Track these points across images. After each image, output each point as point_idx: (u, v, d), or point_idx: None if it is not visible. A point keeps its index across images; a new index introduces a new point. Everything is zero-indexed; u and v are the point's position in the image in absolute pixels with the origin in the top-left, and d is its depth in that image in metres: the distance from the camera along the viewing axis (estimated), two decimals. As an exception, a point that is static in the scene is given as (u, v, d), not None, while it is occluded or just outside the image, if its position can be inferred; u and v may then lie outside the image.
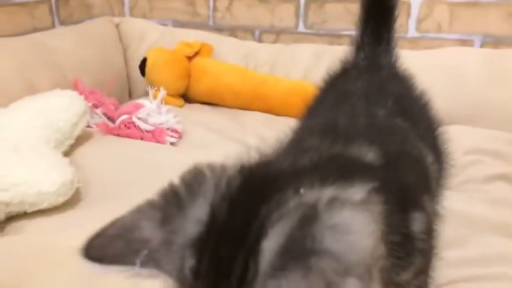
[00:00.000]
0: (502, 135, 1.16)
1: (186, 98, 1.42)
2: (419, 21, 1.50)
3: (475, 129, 1.18)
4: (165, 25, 1.72)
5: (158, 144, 1.05)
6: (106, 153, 1.00)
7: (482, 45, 1.46)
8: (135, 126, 1.08)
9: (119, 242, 0.35)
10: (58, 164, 0.86)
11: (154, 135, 1.07)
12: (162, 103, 1.16)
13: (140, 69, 1.42)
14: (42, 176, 0.81)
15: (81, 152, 1.00)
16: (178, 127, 1.11)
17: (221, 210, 0.33)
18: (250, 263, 0.30)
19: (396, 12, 0.75)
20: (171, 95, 1.34)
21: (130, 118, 1.09)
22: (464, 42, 1.47)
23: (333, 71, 0.74)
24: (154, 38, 1.57)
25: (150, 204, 0.37)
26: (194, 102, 1.42)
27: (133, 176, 0.94)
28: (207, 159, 1.03)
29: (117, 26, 1.62)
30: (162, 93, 1.16)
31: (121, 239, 0.35)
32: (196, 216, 0.33)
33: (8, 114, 0.93)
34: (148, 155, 0.99)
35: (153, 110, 1.12)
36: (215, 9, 1.75)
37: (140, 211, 0.36)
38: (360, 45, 0.75)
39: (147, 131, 1.07)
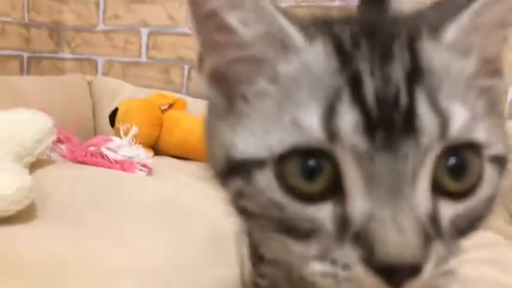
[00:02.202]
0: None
1: (156, 150, 1.36)
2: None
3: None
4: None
5: (125, 173, 0.97)
6: (67, 176, 0.90)
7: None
8: (102, 157, 1.01)
9: None
10: (16, 171, 0.76)
11: (123, 167, 0.99)
12: (132, 140, 1.10)
13: (110, 119, 1.37)
14: (-5, 179, 0.72)
15: (41, 173, 0.90)
16: (149, 162, 1.04)
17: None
18: None
19: None
20: (141, 144, 1.29)
21: (99, 149, 1.02)
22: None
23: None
24: (126, 95, 1.55)
25: None
26: (164, 155, 1.36)
27: (96, 200, 0.85)
28: (179, 191, 0.95)
29: (89, 83, 1.60)
30: (134, 130, 1.11)
31: None
32: None
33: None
34: (114, 181, 0.91)
35: (123, 144, 1.06)
36: (189, 77, 1.77)
37: None
38: None
39: (116, 162, 0.99)
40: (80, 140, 1.18)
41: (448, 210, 0.27)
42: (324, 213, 0.27)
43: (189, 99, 1.52)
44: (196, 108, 1.49)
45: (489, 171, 0.28)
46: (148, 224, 0.78)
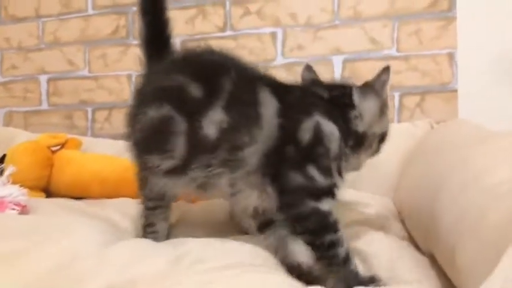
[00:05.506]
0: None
1: (49, 192, 1.31)
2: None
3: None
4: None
5: (-9, 211, 0.91)
6: None
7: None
8: (-31, 198, 0.95)
9: None
10: None
11: (-8, 206, 0.94)
12: (8, 181, 1.05)
13: (-2, 166, 1.31)
14: None
15: None
16: (23, 199, 0.99)
17: None
18: None
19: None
20: (31, 188, 1.23)
21: (-34, 191, 0.96)
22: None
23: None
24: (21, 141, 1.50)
25: None
26: (57, 196, 1.31)
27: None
28: (53, 224, 0.91)
29: (-19, 134, 1.54)
30: (11, 169, 1.06)
31: None
32: None
33: None
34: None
35: (-4, 184, 1.00)
36: (94, 120, 1.74)
37: None
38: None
39: (-17, 202, 0.94)
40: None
41: None
42: None
43: (88, 139, 1.49)
44: (96, 148, 1.46)
45: None
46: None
